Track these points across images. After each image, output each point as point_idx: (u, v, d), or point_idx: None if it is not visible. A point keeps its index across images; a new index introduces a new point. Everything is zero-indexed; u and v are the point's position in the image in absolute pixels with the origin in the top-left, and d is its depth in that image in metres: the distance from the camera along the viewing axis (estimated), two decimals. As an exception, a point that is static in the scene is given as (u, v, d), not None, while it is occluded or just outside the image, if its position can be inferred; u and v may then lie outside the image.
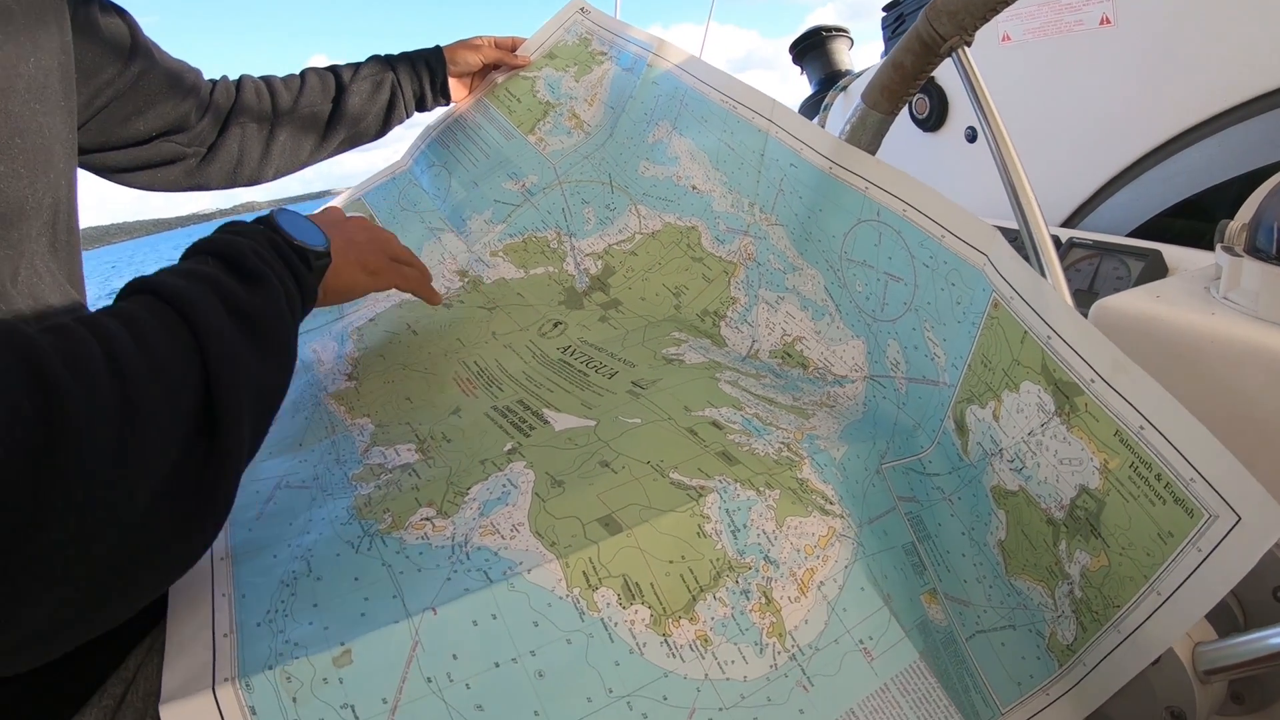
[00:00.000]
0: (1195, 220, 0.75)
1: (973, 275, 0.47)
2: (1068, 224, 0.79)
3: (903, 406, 0.54)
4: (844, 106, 1.19)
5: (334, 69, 0.90)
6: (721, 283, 0.70)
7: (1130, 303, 0.48)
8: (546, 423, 0.56)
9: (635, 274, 0.75)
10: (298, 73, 0.89)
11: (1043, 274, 0.45)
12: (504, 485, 0.48)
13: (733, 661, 0.41)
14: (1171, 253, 0.71)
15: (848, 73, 1.38)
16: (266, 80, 0.86)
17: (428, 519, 0.46)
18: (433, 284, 0.79)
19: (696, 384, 0.57)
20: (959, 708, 0.42)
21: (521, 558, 0.41)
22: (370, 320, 0.77)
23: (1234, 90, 0.70)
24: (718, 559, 0.43)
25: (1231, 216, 0.82)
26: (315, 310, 0.81)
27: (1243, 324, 0.44)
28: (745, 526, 0.44)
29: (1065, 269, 0.63)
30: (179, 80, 0.74)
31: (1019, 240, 0.50)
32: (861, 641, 0.42)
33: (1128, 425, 0.36)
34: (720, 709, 0.40)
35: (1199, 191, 0.73)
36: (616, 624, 0.41)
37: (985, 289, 0.46)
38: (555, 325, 0.71)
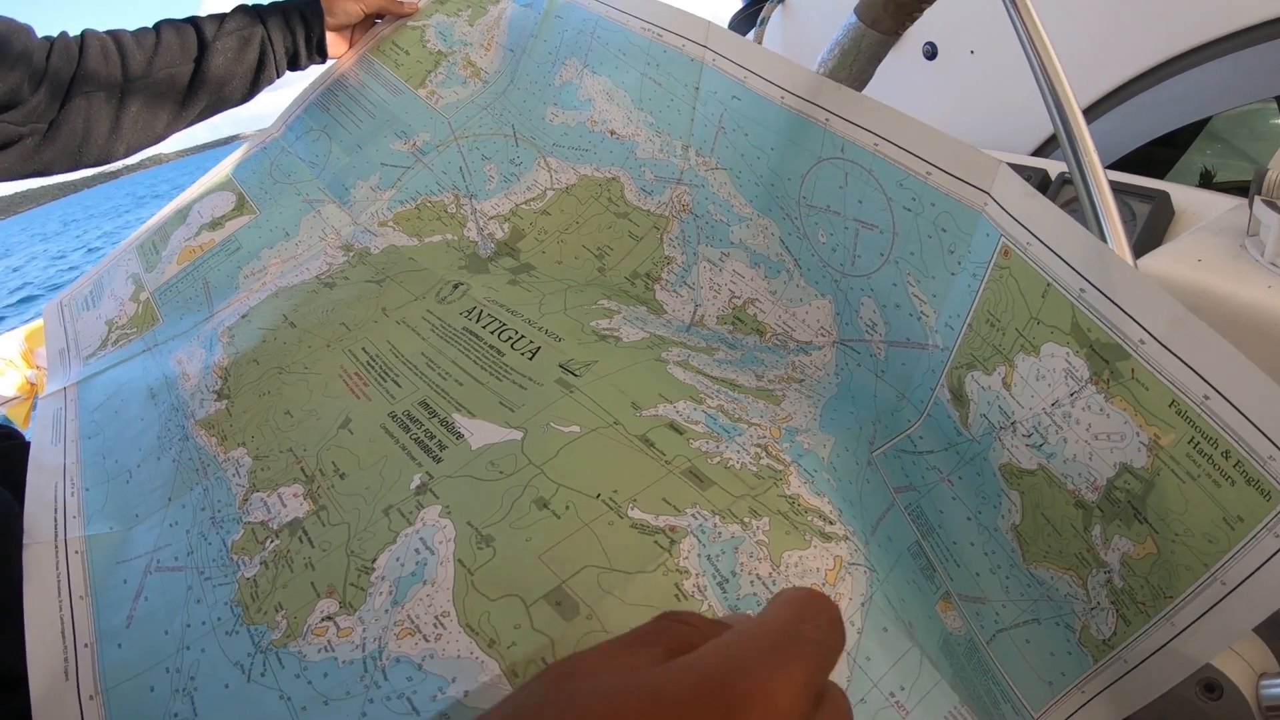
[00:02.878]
0: (1166, 148, 0.72)
1: (969, 218, 0.41)
2: (1038, 154, 0.75)
3: (882, 375, 0.48)
4: (783, 22, 1.09)
5: (194, 22, 0.77)
6: (652, 240, 0.61)
7: (1172, 268, 0.42)
8: (460, 436, 0.45)
9: (549, 235, 0.65)
10: (151, 27, 0.74)
11: (1099, 224, 0.39)
12: (417, 550, 0.38)
13: None
14: (1180, 194, 0.65)
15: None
16: (115, 37, 0.71)
17: (329, 618, 0.36)
18: (313, 262, 0.67)
19: (641, 369, 0.48)
20: None
21: (454, 670, 0.32)
22: (242, 317, 0.65)
23: (1227, 19, 0.66)
24: None
25: (1187, 146, 0.81)
26: (186, 306, 0.70)
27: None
28: (734, 574, 0.35)
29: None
30: (2, 45, 0.60)
31: (1047, 182, 0.43)
32: (893, 694, 0.35)
33: (1188, 395, 0.31)
34: None
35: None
36: None
37: (989, 234, 0.39)
38: (455, 287, 0.60)
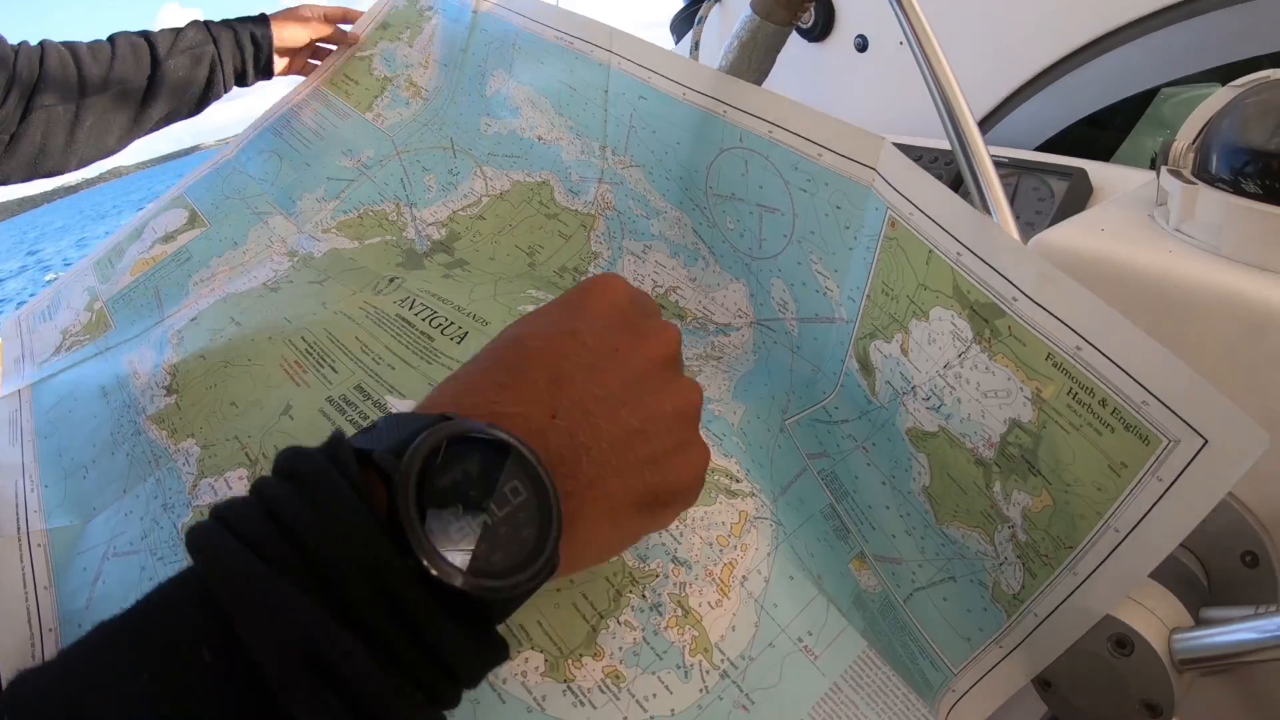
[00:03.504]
0: (1099, 130, 0.72)
1: (860, 194, 0.41)
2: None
3: (798, 350, 0.48)
4: (721, 18, 1.09)
5: (147, 36, 0.76)
6: (580, 238, 0.62)
7: (1073, 237, 0.43)
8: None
9: (483, 237, 0.67)
10: (106, 39, 0.73)
11: (983, 200, 0.39)
12: None
13: (654, 695, 0.34)
14: (1097, 171, 0.66)
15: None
16: (71, 48, 0.70)
17: None
18: (260, 270, 0.68)
19: None
20: (910, 683, 0.37)
21: None
22: (192, 320, 0.66)
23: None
24: (616, 574, 0.36)
25: (1128, 128, 0.81)
26: (138, 313, 0.71)
27: (1206, 263, 0.39)
28: None
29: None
30: None
31: (941, 163, 0.44)
32: (800, 639, 0.35)
33: (1060, 346, 0.31)
34: None
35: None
36: (505, 680, 0.33)
37: (878, 208, 0.39)
38: (391, 281, 0.62)
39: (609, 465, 0.26)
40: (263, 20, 0.82)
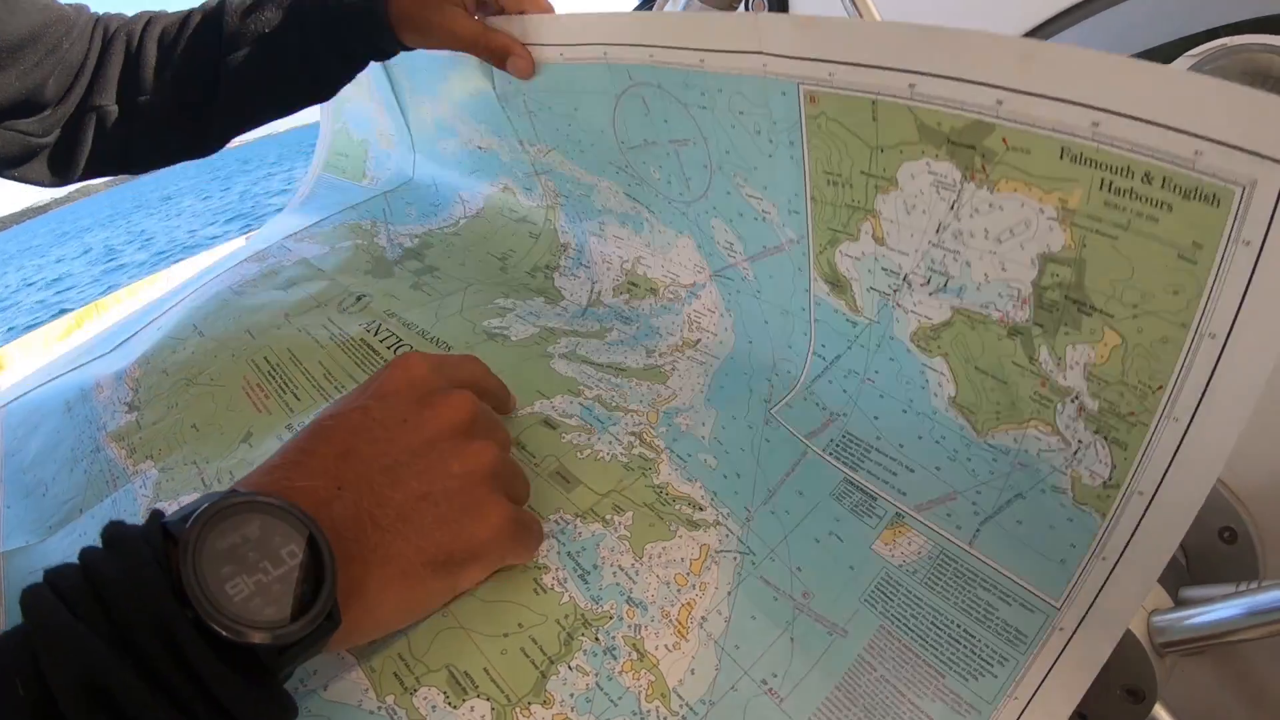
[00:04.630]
0: None
1: (756, 88, 0.35)
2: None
3: (760, 295, 0.42)
4: None
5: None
6: (549, 234, 0.61)
7: None
8: None
9: (456, 248, 0.66)
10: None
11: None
12: None
13: None
14: None
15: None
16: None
17: None
18: (227, 276, 0.72)
19: (523, 369, 0.46)
20: (973, 658, 0.29)
21: (318, 664, 0.31)
22: (153, 323, 0.67)
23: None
24: (567, 616, 0.31)
25: None
26: (107, 339, 0.71)
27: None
28: (596, 568, 0.34)
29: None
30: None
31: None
32: (765, 681, 0.30)
33: (1074, 133, 0.25)
34: None
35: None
36: None
37: (785, 91, 0.33)
38: (358, 299, 0.61)
39: (396, 530, 0.29)
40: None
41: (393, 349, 0.52)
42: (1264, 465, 0.36)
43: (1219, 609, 0.29)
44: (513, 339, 0.50)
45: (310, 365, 0.53)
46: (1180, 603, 0.33)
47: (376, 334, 0.55)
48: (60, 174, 0.57)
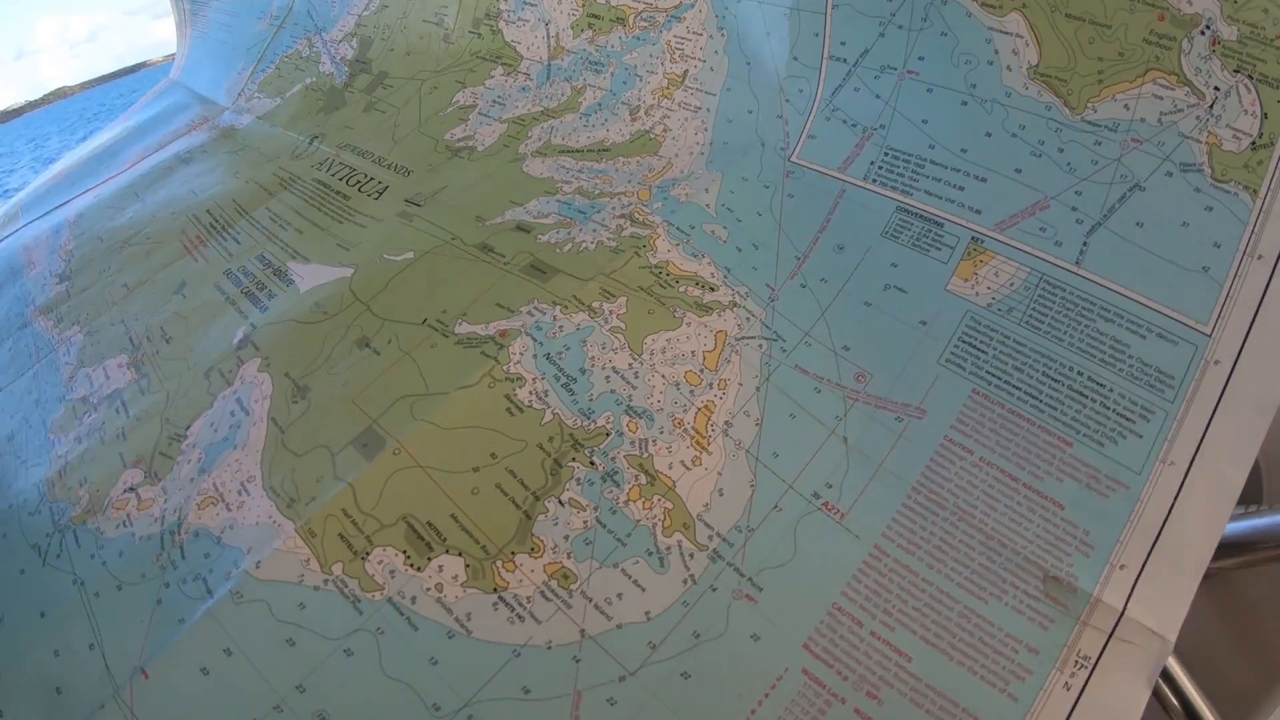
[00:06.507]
0: None
1: None
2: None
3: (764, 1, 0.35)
4: None
5: None
6: None
7: None
8: (290, 283, 0.42)
9: (392, 29, 0.63)
10: None
11: None
12: (232, 412, 0.34)
13: (620, 596, 0.23)
14: None
15: None
16: None
17: (132, 489, 0.33)
18: (176, 144, 0.71)
19: (493, 179, 0.43)
20: (1110, 415, 0.23)
21: (250, 540, 0.28)
22: (93, 200, 0.65)
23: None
24: (552, 438, 0.26)
25: None
26: (36, 195, 0.72)
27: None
28: (584, 371, 0.27)
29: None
30: None
31: None
32: (817, 494, 0.24)
33: None
34: (623, 678, 0.22)
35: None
36: (415, 599, 0.24)
37: None
38: (310, 141, 0.59)
39: None
40: None
41: (345, 180, 0.50)
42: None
43: (1228, 532, 0.27)
44: (479, 149, 0.46)
45: (254, 210, 0.51)
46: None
47: (330, 170, 0.52)
48: None
